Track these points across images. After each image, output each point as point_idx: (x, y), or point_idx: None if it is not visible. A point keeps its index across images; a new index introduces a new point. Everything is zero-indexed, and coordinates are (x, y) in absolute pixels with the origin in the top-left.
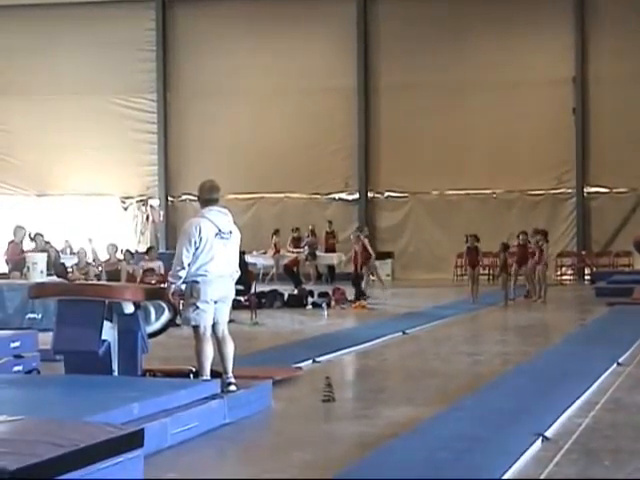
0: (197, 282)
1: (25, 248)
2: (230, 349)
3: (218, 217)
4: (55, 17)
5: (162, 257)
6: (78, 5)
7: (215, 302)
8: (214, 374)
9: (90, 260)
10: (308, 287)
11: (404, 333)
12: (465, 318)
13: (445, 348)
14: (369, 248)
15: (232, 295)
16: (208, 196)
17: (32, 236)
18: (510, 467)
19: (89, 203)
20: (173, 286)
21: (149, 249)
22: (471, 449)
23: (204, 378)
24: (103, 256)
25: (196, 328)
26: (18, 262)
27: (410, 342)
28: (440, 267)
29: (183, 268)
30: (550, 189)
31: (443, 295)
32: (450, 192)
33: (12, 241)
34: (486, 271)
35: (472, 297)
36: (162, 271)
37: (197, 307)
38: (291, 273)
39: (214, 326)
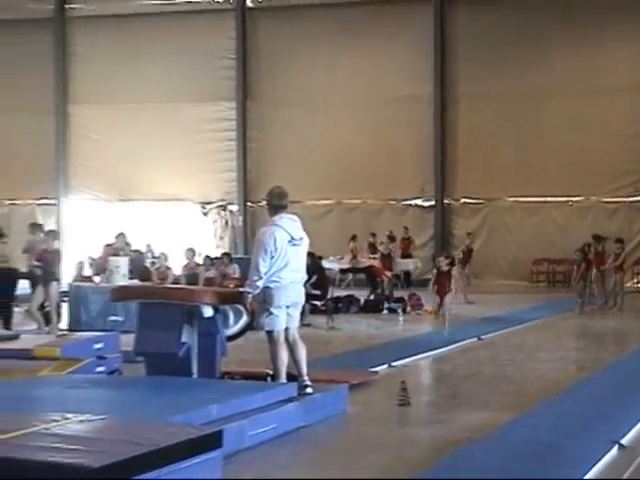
0: (270, 288)
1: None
2: (303, 352)
3: (289, 224)
4: (138, 27)
5: (239, 262)
6: (160, 15)
7: (287, 307)
8: (290, 377)
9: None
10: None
11: (479, 339)
12: (540, 324)
13: (520, 354)
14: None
15: (302, 300)
16: (277, 202)
17: (116, 235)
18: (585, 474)
19: (170, 208)
20: (250, 295)
21: (224, 255)
22: (546, 456)
23: (281, 381)
24: (182, 260)
25: (270, 333)
26: (103, 266)
27: (485, 348)
28: (515, 273)
29: (260, 278)
30: (627, 196)
31: (518, 301)
32: (526, 199)
33: (110, 245)
34: (562, 277)
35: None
36: (237, 274)
37: (271, 312)
38: (373, 277)
39: (285, 331)
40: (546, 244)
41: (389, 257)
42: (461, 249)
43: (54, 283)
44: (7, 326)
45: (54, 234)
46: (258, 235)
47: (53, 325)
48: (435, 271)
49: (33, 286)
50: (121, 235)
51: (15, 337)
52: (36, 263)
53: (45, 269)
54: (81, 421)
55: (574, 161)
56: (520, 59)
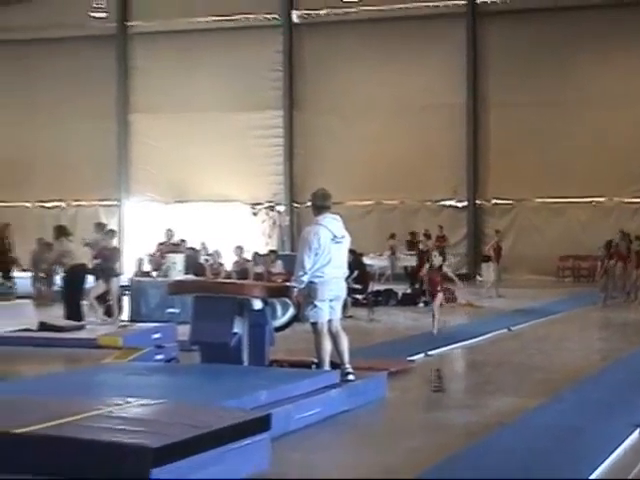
0: (315, 283)
1: (173, 250)
2: (345, 342)
3: (332, 223)
4: (193, 42)
5: (285, 259)
6: (214, 31)
7: (330, 300)
8: (333, 365)
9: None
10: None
11: (509, 330)
12: (566, 317)
13: (547, 344)
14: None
15: (344, 294)
16: (321, 203)
17: (178, 241)
18: (608, 456)
19: (222, 209)
20: (296, 290)
21: (270, 252)
22: (571, 438)
23: (325, 369)
24: (231, 258)
25: (315, 324)
26: (159, 262)
27: (514, 338)
28: (543, 269)
29: (305, 273)
30: None
31: (545, 295)
32: (552, 200)
33: (162, 243)
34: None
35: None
36: (281, 270)
37: (315, 305)
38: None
39: (329, 322)
40: (571, 242)
41: (427, 253)
42: (491, 245)
43: (114, 279)
44: (78, 318)
45: (112, 233)
46: (303, 234)
47: (115, 317)
48: (427, 267)
49: (97, 280)
50: (169, 231)
51: (81, 327)
52: (96, 260)
53: (105, 266)
54: (141, 405)
55: (598, 164)
56: (547, 70)
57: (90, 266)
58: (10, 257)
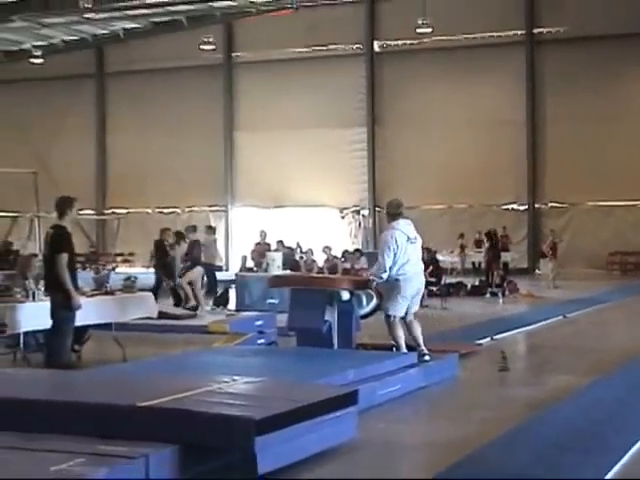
0: (399, 280)
1: (267, 248)
2: (418, 329)
3: (406, 227)
4: (290, 69)
5: (368, 256)
6: (307, 59)
7: (412, 297)
8: (410, 348)
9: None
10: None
11: (564, 317)
12: (615, 305)
13: (599, 329)
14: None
15: (423, 288)
16: (394, 211)
17: (277, 242)
18: None
19: (314, 213)
20: (374, 283)
21: (355, 250)
22: (621, 411)
23: (403, 351)
24: (321, 256)
25: (388, 317)
26: (258, 259)
27: (570, 324)
28: (594, 263)
29: (385, 271)
30: None
31: (596, 286)
32: (603, 203)
33: (258, 243)
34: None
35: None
36: (365, 266)
37: (397, 300)
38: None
39: (405, 314)
40: (619, 239)
41: (496, 249)
42: (548, 244)
43: (197, 267)
44: (196, 308)
45: (192, 228)
46: (382, 237)
47: (201, 303)
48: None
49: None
50: (262, 232)
51: (194, 316)
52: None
53: (189, 258)
54: (246, 382)
55: None
56: (596, 89)
57: (180, 262)
58: (169, 256)
